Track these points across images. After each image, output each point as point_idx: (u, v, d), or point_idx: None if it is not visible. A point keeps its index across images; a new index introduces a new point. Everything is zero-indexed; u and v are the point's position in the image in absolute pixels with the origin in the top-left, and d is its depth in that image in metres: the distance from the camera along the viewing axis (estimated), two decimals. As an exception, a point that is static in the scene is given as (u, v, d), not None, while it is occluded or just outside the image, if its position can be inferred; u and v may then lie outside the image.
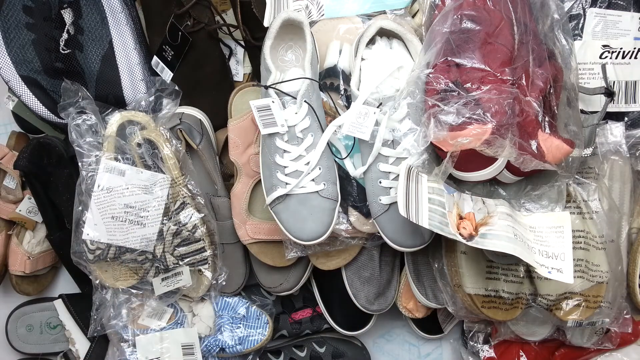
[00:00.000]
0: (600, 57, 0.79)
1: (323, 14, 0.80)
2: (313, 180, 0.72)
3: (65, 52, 0.80)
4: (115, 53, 0.82)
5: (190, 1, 0.82)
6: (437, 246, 0.79)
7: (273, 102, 0.70)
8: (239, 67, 0.90)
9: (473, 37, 0.67)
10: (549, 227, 0.70)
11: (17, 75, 0.77)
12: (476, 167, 0.67)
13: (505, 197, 0.73)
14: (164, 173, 0.78)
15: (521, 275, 0.76)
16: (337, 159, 0.76)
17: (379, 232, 0.75)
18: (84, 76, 0.81)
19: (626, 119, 0.80)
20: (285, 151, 0.73)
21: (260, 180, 0.77)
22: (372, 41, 0.77)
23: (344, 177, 0.77)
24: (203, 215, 0.79)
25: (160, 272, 0.80)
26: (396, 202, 0.65)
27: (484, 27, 0.68)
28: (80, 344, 0.89)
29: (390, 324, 0.95)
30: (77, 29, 0.81)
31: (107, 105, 0.81)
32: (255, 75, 0.90)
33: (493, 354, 0.86)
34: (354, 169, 0.76)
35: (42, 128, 0.90)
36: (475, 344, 0.87)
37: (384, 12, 0.80)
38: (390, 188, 0.72)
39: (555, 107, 0.69)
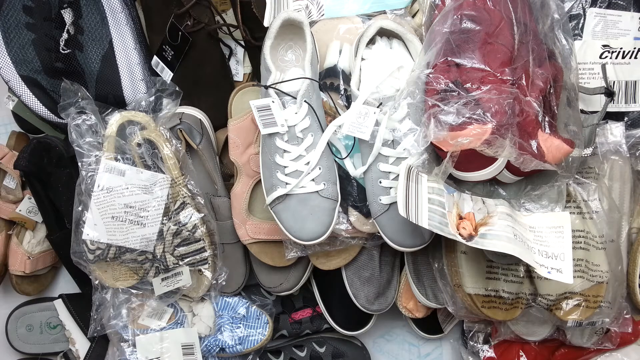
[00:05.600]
0: (600, 57, 0.79)
1: (323, 14, 0.80)
2: (313, 180, 0.72)
3: (65, 52, 0.80)
4: (115, 53, 0.82)
5: (190, 1, 0.82)
6: (437, 246, 0.79)
7: (273, 102, 0.70)
8: (239, 67, 0.90)
9: (473, 37, 0.67)
10: (548, 227, 0.70)
11: (17, 75, 0.77)
12: (476, 167, 0.67)
13: (505, 197, 0.73)
14: (164, 173, 0.78)
15: (521, 275, 0.76)
16: (337, 159, 0.76)
17: (379, 232, 0.75)
18: (84, 76, 0.81)
19: (626, 119, 0.80)
20: (285, 151, 0.73)
21: (260, 180, 0.77)
22: (372, 41, 0.77)
23: (344, 177, 0.77)
24: (203, 215, 0.79)
25: (160, 272, 0.80)
26: (396, 202, 0.65)
27: (484, 27, 0.68)
28: (80, 344, 0.89)
29: (390, 324, 0.95)
30: (77, 29, 0.81)
31: (107, 105, 0.81)
32: (255, 75, 0.90)
33: (493, 354, 0.86)
34: (354, 169, 0.76)
35: (42, 128, 0.90)
36: (475, 344, 0.87)
37: (384, 12, 0.80)
38: (390, 188, 0.72)
39: (555, 107, 0.69)
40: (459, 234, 0.65)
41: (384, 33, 0.77)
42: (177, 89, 0.82)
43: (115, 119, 0.78)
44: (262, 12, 0.81)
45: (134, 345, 0.82)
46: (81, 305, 0.89)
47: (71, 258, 0.78)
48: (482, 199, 0.70)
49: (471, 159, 0.65)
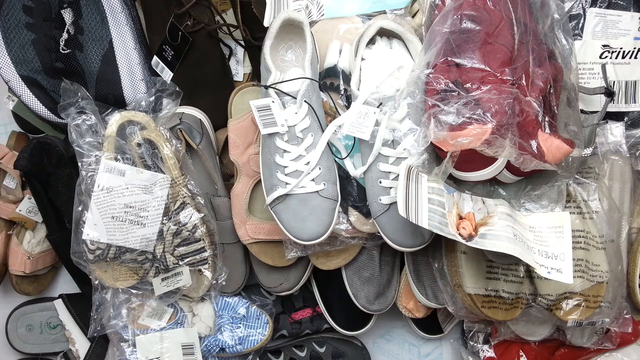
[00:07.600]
0: (600, 57, 0.79)
1: (323, 14, 0.80)
2: (313, 180, 0.72)
3: (65, 52, 0.80)
4: (115, 53, 0.82)
5: (190, 1, 0.82)
6: (437, 246, 0.79)
7: (273, 102, 0.70)
8: (239, 67, 0.90)
9: (473, 37, 0.67)
10: (548, 227, 0.70)
11: (17, 75, 0.77)
12: (476, 167, 0.67)
13: (505, 197, 0.73)
14: (164, 173, 0.78)
15: (521, 275, 0.76)
16: (337, 159, 0.76)
17: (379, 232, 0.75)
18: (84, 76, 0.81)
19: (626, 119, 0.80)
20: (285, 151, 0.73)
21: (260, 180, 0.77)
22: (372, 41, 0.77)
23: (344, 177, 0.77)
24: (203, 215, 0.79)
25: (160, 272, 0.80)
26: (396, 202, 0.65)
27: (484, 27, 0.68)
28: (80, 344, 0.89)
29: (390, 324, 0.95)
30: (77, 29, 0.81)
31: (107, 105, 0.81)
32: (255, 75, 0.90)
33: (493, 354, 0.86)
34: (354, 169, 0.76)
35: (42, 128, 0.90)
36: (475, 344, 0.87)
37: (384, 12, 0.80)
38: (391, 188, 0.72)
39: (555, 107, 0.69)
40: (459, 234, 0.65)
41: (384, 33, 0.77)
42: (177, 89, 0.82)
43: (115, 119, 0.78)
44: (262, 12, 0.81)
45: (134, 345, 0.82)
46: (81, 305, 0.90)
47: (71, 258, 0.78)
48: (482, 199, 0.70)
49: (471, 159, 0.65)
